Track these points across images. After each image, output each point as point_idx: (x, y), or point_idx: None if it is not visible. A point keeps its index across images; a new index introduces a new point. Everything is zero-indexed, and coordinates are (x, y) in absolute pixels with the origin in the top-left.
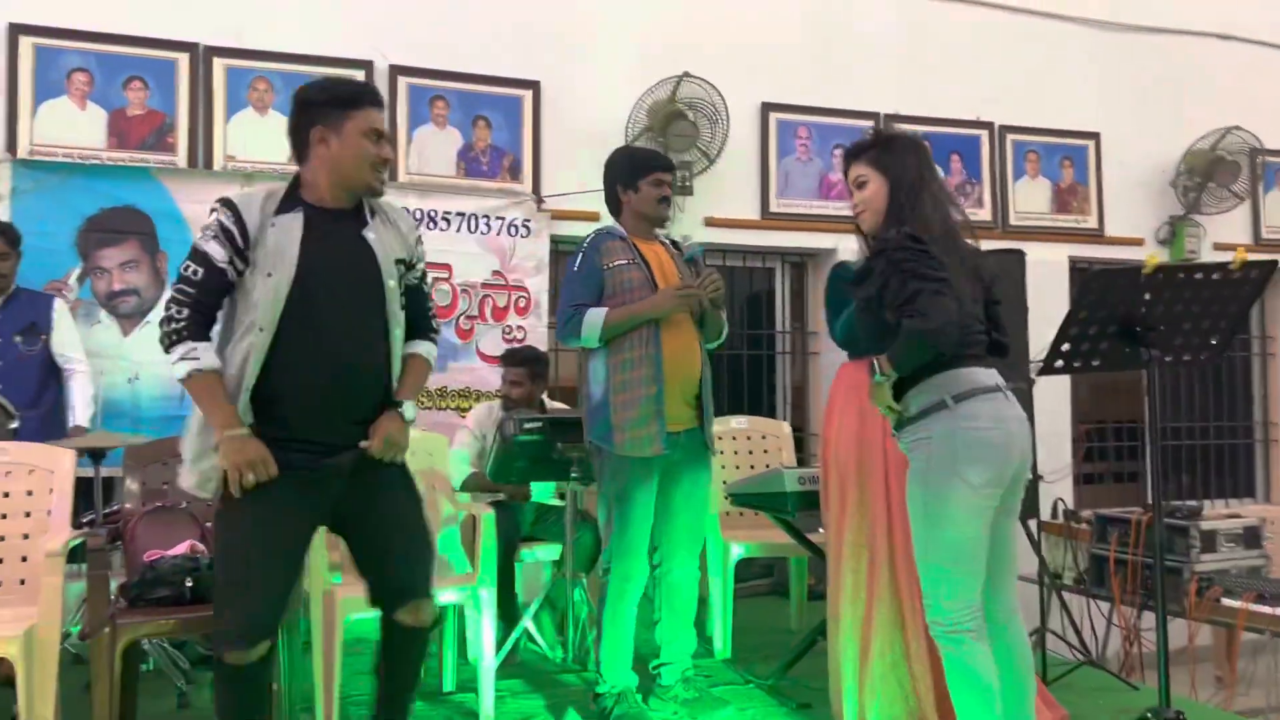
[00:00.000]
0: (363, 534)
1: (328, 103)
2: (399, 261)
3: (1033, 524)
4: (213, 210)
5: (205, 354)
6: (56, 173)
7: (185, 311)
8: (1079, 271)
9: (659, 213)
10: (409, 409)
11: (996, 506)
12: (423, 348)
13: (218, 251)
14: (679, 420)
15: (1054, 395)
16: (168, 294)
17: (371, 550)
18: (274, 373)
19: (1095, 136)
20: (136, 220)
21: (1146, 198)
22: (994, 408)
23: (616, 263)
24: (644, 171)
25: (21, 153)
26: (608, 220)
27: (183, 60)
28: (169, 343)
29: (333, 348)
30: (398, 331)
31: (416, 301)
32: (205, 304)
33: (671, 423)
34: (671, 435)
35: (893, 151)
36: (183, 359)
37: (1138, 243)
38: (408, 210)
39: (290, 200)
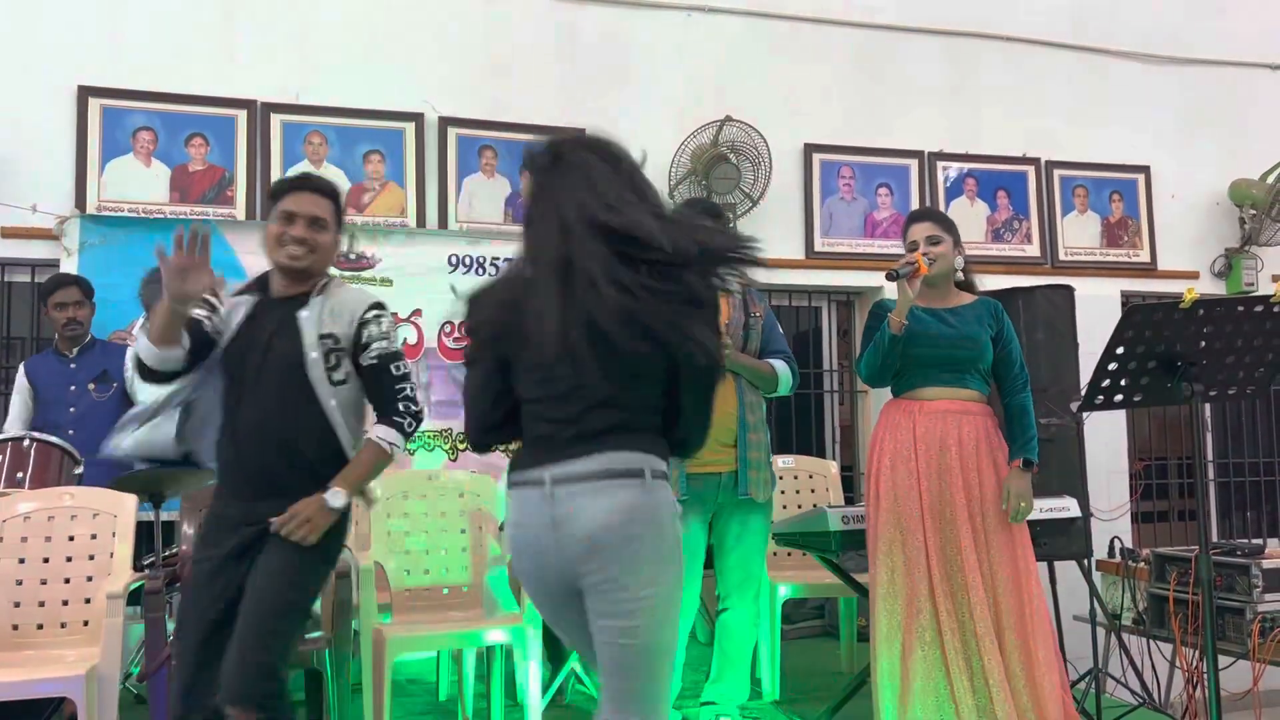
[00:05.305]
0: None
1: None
2: (325, 336)
3: (1086, 562)
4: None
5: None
6: (122, 227)
7: None
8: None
9: None
10: (335, 496)
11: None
12: (377, 431)
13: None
14: (716, 463)
15: (1109, 432)
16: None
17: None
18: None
19: (1145, 170)
20: None
21: (1201, 231)
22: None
23: None
24: None
25: (90, 209)
26: None
27: (241, 117)
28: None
29: (239, 418)
30: (331, 403)
31: (374, 383)
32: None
33: (701, 465)
34: (711, 477)
35: None
36: None
37: (1193, 276)
38: (455, 258)
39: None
